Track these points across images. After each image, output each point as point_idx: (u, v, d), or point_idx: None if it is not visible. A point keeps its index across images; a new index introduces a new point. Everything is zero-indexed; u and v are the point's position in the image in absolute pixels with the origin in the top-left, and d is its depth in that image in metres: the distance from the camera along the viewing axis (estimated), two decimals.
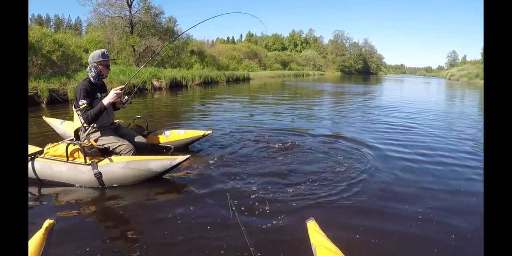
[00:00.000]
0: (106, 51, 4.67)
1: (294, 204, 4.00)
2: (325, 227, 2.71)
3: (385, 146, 6.98)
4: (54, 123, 6.30)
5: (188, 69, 27.04)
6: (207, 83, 25.67)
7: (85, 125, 4.54)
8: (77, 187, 4.28)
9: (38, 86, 13.04)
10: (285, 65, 64.02)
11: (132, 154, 4.62)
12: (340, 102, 17.81)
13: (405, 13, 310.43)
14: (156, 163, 4.48)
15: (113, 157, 4.41)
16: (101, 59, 4.51)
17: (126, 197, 4.22)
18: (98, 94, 4.64)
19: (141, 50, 27.55)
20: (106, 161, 4.34)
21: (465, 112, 14.77)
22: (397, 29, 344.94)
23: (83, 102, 4.34)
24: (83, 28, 74.85)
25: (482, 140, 8.10)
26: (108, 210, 3.90)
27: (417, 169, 5.64)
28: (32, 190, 4.18)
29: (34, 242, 2.00)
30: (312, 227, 2.50)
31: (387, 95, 22.69)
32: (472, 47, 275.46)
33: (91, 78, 4.58)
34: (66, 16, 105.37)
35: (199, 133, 6.19)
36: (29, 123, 8.30)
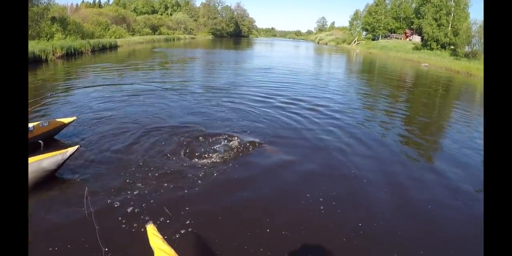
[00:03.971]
0: None
1: (145, 205, 4.37)
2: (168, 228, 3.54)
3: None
4: None
5: (48, 40, 25.22)
6: (71, 54, 24.06)
7: None
8: None
9: None
10: (155, 29, 62.38)
11: None
12: (213, 72, 19.04)
13: None
14: (48, 161, 4.37)
15: None
16: None
17: None
18: None
19: None
20: None
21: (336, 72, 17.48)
22: None
23: None
24: None
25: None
26: None
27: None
28: None
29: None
30: (151, 230, 2.65)
31: (258, 66, 23.80)
32: (340, 14, 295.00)
33: None
34: None
35: (63, 121, 6.06)
36: None
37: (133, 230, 3.85)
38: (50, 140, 6.01)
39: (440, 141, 9.00)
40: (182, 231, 3.89)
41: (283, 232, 4.15)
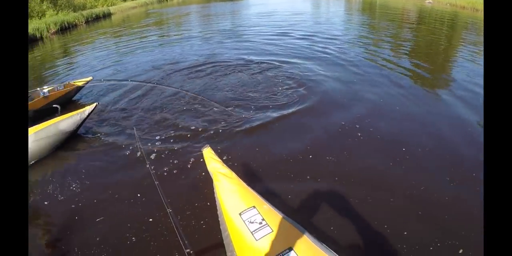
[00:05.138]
0: None
1: (192, 132, 4.68)
2: (223, 153, 3.72)
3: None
4: None
5: (40, 18, 24.59)
6: (65, 28, 23.69)
7: None
8: None
9: None
10: None
11: None
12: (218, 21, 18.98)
13: None
14: (67, 122, 4.28)
15: None
16: None
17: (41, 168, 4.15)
18: None
19: None
20: None
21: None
22: None
23: None
24: None
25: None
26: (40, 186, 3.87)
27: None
28: None
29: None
30: (208, 154, 2.64)
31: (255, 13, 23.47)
32: None
33: None
34: None
35: (80, 82, 5.97)
36: None
37: (185, 160, 4.02)
38: (69, 103, 5.98)
39: (451, 72, 8.90)
40: (242, 152, 4.17)
41: (328, 158, 4.32)
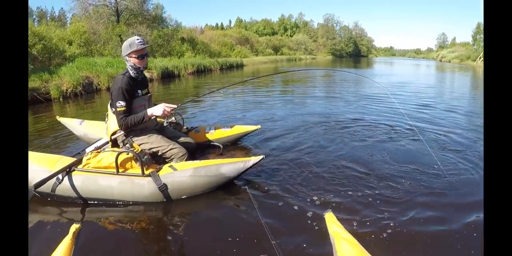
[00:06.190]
0: (138, 38, 3.83)
1: (314, 198, 4.05)
2: (343, 219, 3.13)
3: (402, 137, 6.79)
4: (71, 123, 5.52)
5: (179, 57, 25.76)
6: (200, 71, 24.40)
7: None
8: (130, 204, 3.68)
9: None
10: (276, 50, 62.94)
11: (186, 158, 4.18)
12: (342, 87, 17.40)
13: None
14: (229, 167, 4.03)
15: (174, 165, 3.87)
16: (131, 50, 3.72)
17: (185, 208, 3.85)
18: (139, 91, 3.98)
19: None
20: (167, 169, 3.77)
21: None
22: (387, 11, 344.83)
23: (121, 104, 3.73)
24: (67, 19, 72.43)
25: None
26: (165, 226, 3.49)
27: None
28: (74, 209, 3.55)
29: (63, 247, 2.07)
30: (330, 219, 2.51)
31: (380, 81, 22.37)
32: (461, 29, 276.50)
33: (131, 72, 3.89)
34: (49, 8, 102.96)
35: (247, 128, 5.82)
36: (40, 125, 7.49)
37: (303, 222, 3.51)
38: (231, 145, 5.82)
39: None
40: (363, 221, 3.48)
41: None
